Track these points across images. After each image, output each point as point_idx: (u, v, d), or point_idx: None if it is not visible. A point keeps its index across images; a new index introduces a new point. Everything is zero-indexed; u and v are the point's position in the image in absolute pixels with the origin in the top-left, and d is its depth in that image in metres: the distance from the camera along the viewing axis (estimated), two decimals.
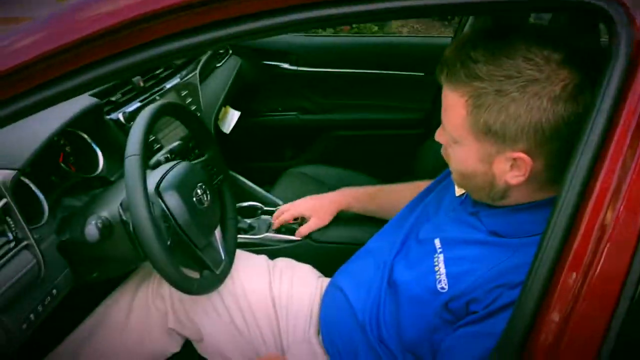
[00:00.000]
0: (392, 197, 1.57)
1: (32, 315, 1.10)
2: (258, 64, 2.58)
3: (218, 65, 2.32)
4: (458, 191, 1.19)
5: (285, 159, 2.78)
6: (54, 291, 1.17)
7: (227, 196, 1.51)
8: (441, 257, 1.07)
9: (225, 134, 2.30)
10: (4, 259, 1.05)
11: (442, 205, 1.25)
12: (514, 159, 0.94)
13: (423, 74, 2.45)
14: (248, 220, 1.76)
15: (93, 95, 1.48)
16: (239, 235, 1.73)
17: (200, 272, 1.29)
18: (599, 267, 0.75)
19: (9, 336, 1.04)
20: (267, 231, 1.71)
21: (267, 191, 2.11)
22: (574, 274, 0.77)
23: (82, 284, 1.32)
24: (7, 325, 1.04)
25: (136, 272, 1.47)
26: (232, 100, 2.37)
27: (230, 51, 2.47)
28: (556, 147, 0.91)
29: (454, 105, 0.94)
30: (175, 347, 1.44)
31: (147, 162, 1.31)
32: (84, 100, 1.39)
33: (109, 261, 1.31)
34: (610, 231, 0.75)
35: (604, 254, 0.75)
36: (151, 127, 1.20)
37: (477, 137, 0.95)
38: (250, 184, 2.02)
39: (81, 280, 1.30)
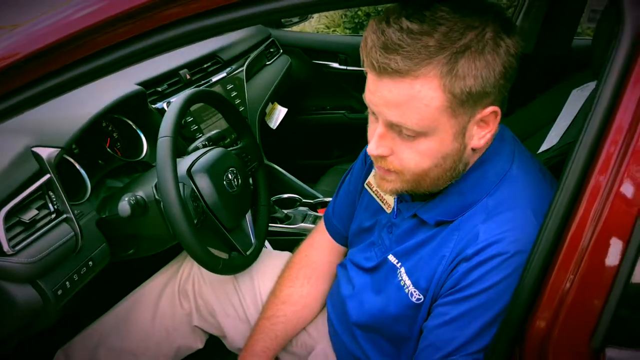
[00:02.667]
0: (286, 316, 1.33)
1: (67, 283, 1.18)
2: (308, 63, 2.64)
3: (268, 63, 2.39)
4: (388, 208, 1.14)
5: (332, 157, 2.82)
6: (90, 263, 1.24)
7: (260, 183, 1.55)
8: (402, 270, 1.05)
9: (272, 129, 2.37)
10: (45, 229, 1.14)
11: (372, 234, 1.19)
12: (483, 117, 0.89)
13: None
14: (285, 211, 1.81)
15: (139, 84, 1.57)
16: (275, 224, 1.78)
17: (229, 253, 1.34)
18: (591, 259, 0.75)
19: (45, 300, 1.12)
20: (302, 221, 1.76)
21: (312, 187, 2.16)
22: (569, 267, 0.77)
23: (118, 260, 1.40)
24: (44, 289, 1.12)
25: (163, 271, 1.51)
26: (280, 97, 2.43)
27: (281, 50, 2.53)
28: (508, 88, 0.89)
29: (421, 91, 0.83)
30: (199, 344, 1.48)
31: (180, 144, 1.38)
32: (128, 87, 1.48)
33: (143, 239, 1.38)
34: (604, 220, 0.74)
35: (598, 243, 0.75)
36: (184, 112, 1.26)
37: (453, 113, 0.86)
38: (291, 176, 2.07)
39: (117, 255, 1.38)
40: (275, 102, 2.40)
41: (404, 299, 1.04)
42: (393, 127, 0.89)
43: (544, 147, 1.72)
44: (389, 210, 1.14)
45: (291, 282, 1.33)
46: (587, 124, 0.76)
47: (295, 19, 3.03)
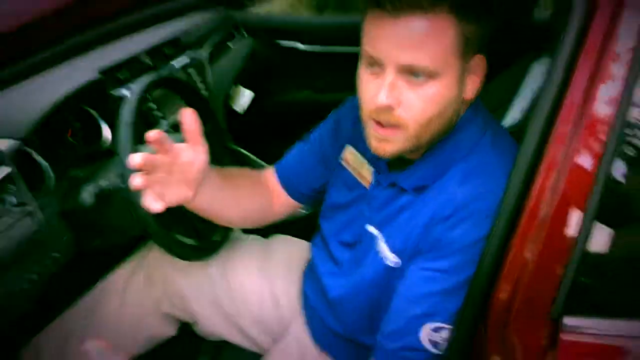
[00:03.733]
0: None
1: (34, 276, 1.16)
2: (272, 44, 2.61)
3: (231, 45, 2.36)
4: (367, 183, 1.17)
5: (299, 138, 2.81)
6: (56, 255, 1.23)
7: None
8: (381, 238, 1.08)
9: (238, 113, 2.35)
10: (7, 223, 1.11)
11: (351, 210, 1.21)
12: (473, 65, 0.96)
13: None
14: None
15: (99, 72, 1.53)
16: None
17: (196, 239, 1.34)
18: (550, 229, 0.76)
19: (11, 294, 1.11)
20: None
21: None
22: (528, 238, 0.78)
23: (85, 250, 1.38)
24: (9, 283, 1.10)
25: (130, 259, 1.50)
26: (244, 80, 2.41)
27: (244, 32, 2.50)
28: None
29: (437, 28, 0.88)
30: (172, 331, 1.48)
31: (144, 131, 1.36)
32: (87, 75, 1.45)
33: (109, 229, 1.37)
34: (561, 191, 0.76)
35: (556, 214, 0.76)
36: (145, 98, 1.24)
37: (459, 54, 0.92)
38: (258, 160, 2.06)
39: (84, 246, 1.36)
40: (240, 85, 2.37)
41: (379, 263, 1.07)
42: (402, 74, 0.91)
43: (508, 122, 1.74)
44: (367, 185, 1.16)
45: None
46: (541, 96, 0.78)
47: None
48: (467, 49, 0.93)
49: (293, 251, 1.47)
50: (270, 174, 1.38)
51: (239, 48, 2.40)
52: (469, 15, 0.90)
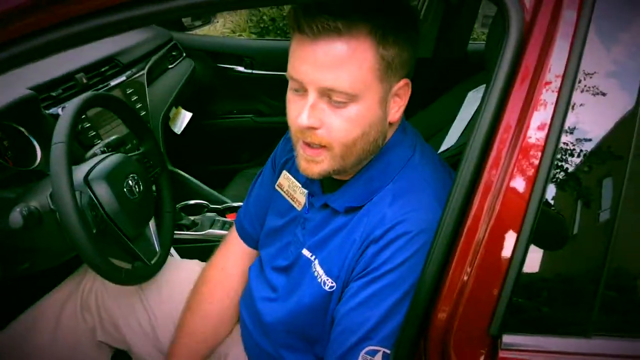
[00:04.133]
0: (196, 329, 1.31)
1: None
2: (213, 67, 2.60)
3: (170, 66, 2.34)
4: (299, 205, 1.17)
5: (241, 161, 2.80)
6: None
7: (164, 190, 1.51)
8: (316, 262, 1.08)
9: (178, 135, 2.31)
10: None
11: (286, 234, 1.20)
12: (398, 90, 0.97)
13: None
14: (192, 217, 1.77)
15: (31, 88, 1.48)
16: (182, 232, 1.74)
17: (132, 263, 1.29)
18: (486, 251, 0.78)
19: None
20: (210, 227, 1.73)
21: (220, 192, 2.13)
22: (466, 259, 0.80)
23: (13, 275, 1.31)
24: None
25: (64, 284, 1.44)
26: (184, 101, 2.38)
27: (184, 54, 2.48)
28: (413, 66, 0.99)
29: (356, 51, 0.89)
30: (105, 359, 1.43)
31: (77, 151, 1.32)
32: (18, 91, 1.40)
33: (39, 252, 1.30)
34: (497, 214, 0.78)
35: (492, 236, 0.78)
36: (79, 116, 1.20)
37: (380, 77, 0.92)
38: (198, 182, 2.03)
39: (11, 271, 1.29)
40: (180, 107, 2.34)
41: (316, 288, 1.06)
42: (323, 97, 0.92)
43: (443, 147, 1.79)
44: (299, 208, 1.16)
45: (210, 298, 1.30)
46: (478, 123, 0.80)
47: (199, 23, 2.99)
48: (389, 72, 0.93)
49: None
50: (236, 238, 1.36)
51: (178, 69, 2.38)
52: (387, 39, 0.90)
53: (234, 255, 1.35)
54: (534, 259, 0.78)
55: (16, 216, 1.15)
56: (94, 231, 1.18)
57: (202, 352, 1.29)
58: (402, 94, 0.99)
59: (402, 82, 0.97)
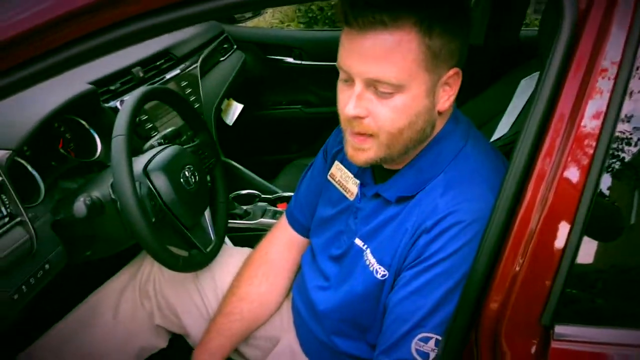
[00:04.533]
0: (242, 313, 1.33)
1: (24, 287, 1.15)
2: (262, 59, 2.64)
3: (222, 59, 2.38)
4: (351, 195, 1.18)
5: (290, 152, 2.83)
6: (47, 266, 1.22)
7: (218, 180, 1.55)
8: (368, 251, 1.09)
9: (229, 126, 2.36)
10: None
11: (338, 223, 1.22)
12: (448, 79, 0.97)
13: None
14: (244, 207, 1.82)
15: (91, 83, 1.54)
16: (235, 221, 1.79)
17: (189, 250, 1.34)
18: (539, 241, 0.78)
19: (1, 305, 1.10)
20: (262, 217, 1.77)
21: (270, 183, 2.16)
22: (518, 250, 0.80)
23: (76, 262, 1.38)
24: (0, 294, 1.10)
25: (122, 272, 1.50)
26: (235, 93, 2.43)
27: (235, 46, 2.52)
28: (465, 54, 0.99)
29: (400, 43, 0.90)
30: (163, 343, 1.48)
31: (135, 143, 1.37)
32: (79, 86, 1.46)
33: (100, 240, 1.36)
34: (550, 204, 0.77)
35: (545, 226, 0.78)
36: (138, 110, 1.25)
37: (427, 67, 0.93)
38: (249, 172, 2.07)
39: (75, 258, 1.35)
40: (231, 99, 2.39)
41: (369, 276, 1.07)
42: (370, 87, 0.94)
43: (495, 136, 1.77)
44: (351, 198, 1.18)
45: (249, 280, 1.34)
46: (531, 112, 0.80)
47: (249, 15, 3.03)
48: (436, 63, 0.94)
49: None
50: (284, 226, 1.40)
51: (230, 61, 2.42)
52: (433, 30, 0.91)
53: (280, 241, 1.39)
54: (588, 250, 0.77)
55: (80, 206, 1.21)
56: (153, 220, 1.23)
57: (238, 333, 1.32)
58: (452, 83, 0.99)
59: (452, 71, 0.97)
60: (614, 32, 0.75)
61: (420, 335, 0.97)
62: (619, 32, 0.75)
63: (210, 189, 1.52)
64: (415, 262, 0.99)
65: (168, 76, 1.89)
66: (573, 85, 0.77)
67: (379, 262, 1.06)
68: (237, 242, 1.69)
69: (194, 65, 2.05)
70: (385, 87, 0.92)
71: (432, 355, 0.96)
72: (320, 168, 1.32)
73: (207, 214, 1.47)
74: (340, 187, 1.21)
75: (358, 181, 1.17)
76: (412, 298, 0.99)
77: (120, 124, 1.20)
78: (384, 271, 1.05)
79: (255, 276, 1.34)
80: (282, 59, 2.65)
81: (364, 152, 1.01)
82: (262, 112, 2.71)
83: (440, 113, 1.01)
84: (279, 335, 1.35)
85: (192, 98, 1.97)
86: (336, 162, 1.24)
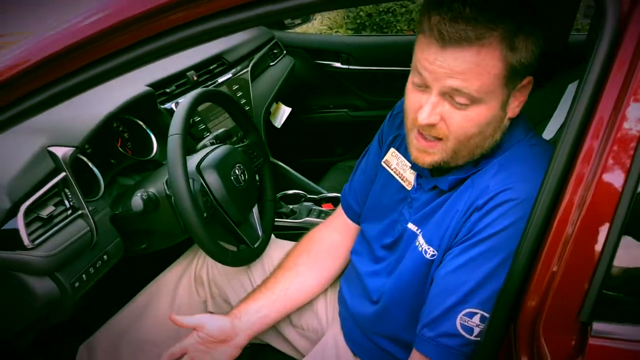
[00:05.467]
0: (289, 288, 1.35)
1: (84, 276, 1.23)
2: (311, 63, 2.69)
3: (271, 64, 2.45)
4: (409, 185, 1.19)
5: (335, 155, 2.87)
6: (105, 257, 1.30)
7: (266, 179, 1.61)
8: (420, 235, 1.11)
9: (277, 128, 2.42)
10: (61, 225, 1.19)
11: (393, 212, 1.23)
12: (521, 87, 0.99)
13: None
14: (291, 206, 1.87)
15: (148, 85, 1.62)
16: (281, 219, 1.84)
17: (237, 246, 1.40)
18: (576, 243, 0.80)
19: (62, 292, 1.18)
20: (307, 216, 1.81)
21: (317, 184, 2.21)
22: (556, 251, 0.81)
23: (133, 254, 1.46)
24: (61, 281, 1.18)
25: (178, 262, 1.57)
26: (284, 97, 2.49)
27: (284, 51, 2.59)
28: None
29: (484, 59, 0.91)
30: None
31: (189, 142, 1.44)
32: (138, 88, 1.54)
33: (155, 233, 1.44)
34: (588, 204, 0.79)
35: (582, 229, 0.79)
36: (193, 110, 1.32)
37: (506, 82, 0.95)
38: (296, 173, 2.12)
39: (131, 250, 1.43)
40: (280, 102, 2.45)
41: (418, 257, 1.10)
42: (445, 95, 0.95)
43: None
44: (409, 187, 1.19)
45: (291, 253, 1.39)
46: (571, 115, 0.81)
47: (298, 21, 3.09)
48: (514, 77, 0.96)
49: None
50: (339, 212, 1.42)
51: (279, 66, 2.48)
52: (515, 45, 0.92)
53: (331, 224, 1.43)
54: (627, 250, 0.78)
55: (137, 200, 1.28)
56: (205, 215, 1.29)
57: (278, 301, 1.32)
58: (524, 90, 1.01)
59: (526, 80, 0.99)
60: None
61: (465, 310, 0.98)
62: None
63: (258, 188, 1.58)
64: (465, 238, 1.01)
65: (220, 80, 1.96)
66: (614, 88, 0.79)
67: (428, 243, 1.08)
68: (283, 239, 1.73)
69: (245, 70, 2.12)
70: (464, 98, 0.94)
71: (477, 330, 0.97)
72: (374, 154, 1.32)
73: (255, 211, 1.52)
74: (397, 175, 1.22)
75: (415, 172, 1.18)
76: (458, 272, 1.00)
77: (176, 124, 1.26)
78: (434, 251, 1.07)
79: (297, 250, 1.39)
80: (329, 64, 2.70)
81: (429, 155, 1.02)
82: (309, 115, 2.76)
83: (510, 119, 1.03)
84: (325, 327, 1.39)
85: (243, 101, 2.04)
86: (392, 149, 1.24)
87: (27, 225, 1.13)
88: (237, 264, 1.37)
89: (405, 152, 1.17)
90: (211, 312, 1.50)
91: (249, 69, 2.14)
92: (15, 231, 1.11)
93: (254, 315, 1.29)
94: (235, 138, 1.75)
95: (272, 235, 1.56)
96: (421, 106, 0.97)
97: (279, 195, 1.96)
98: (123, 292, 1.55)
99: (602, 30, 0.80)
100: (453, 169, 1.08)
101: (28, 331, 1.29)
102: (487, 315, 0.96)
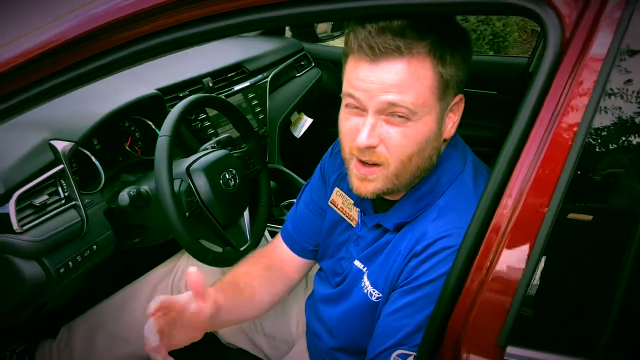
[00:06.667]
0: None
1: (70, 263, 1.31)
2: (338, 76, 2.72)
3: (297, 75, 2.50)
4: (354, 222, 1.20)
5: None
6: (94, 247, 1.37)
7: (262, 185, 1.65)
8: (365, 276, 1.12)
9: (297, 138, 2.47)
10: (53, 213, 1.28)
11: (341, 250, 1.24)
12: (453, 106, 1.01)
13: (496, 92, 2.46)
14: None
15: (162, 88, 1.70)
16: (281, 226, 1.88)
17: (222, 247, 1.45)
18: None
19: (48, 276, 1.26)
20: None
21: None
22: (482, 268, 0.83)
23: (126, 247, 1.53)
24: (47, 266, 1.25)
25: (160, 267, 1.62)
26: (308, 108, 2.53)
27: (313, 63, 2.64)
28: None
29: (416, 70, 0.93)
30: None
31: (195, 145, 1.51)
32: (143, 90, 1.62)
33: (147, 229, 1.51)
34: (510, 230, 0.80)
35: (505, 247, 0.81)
36: (184, 114, 1.38)
37: (439, 95, 0.96)
38: (301, 180, 2.15)
39: (125, 244, 1.51)
40: (302, 113, 2.50)
41: (364, 298, 1.11)
42: (381, 114, 0.95)
43: None
44: (354, 224, 1.20)
45: (249, 265, 1.34)
46: (506, 143, 0.83)
47: (337, 33, 3.14)
48: (446, 91, 0.97)
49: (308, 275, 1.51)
50: (279, 243, 1.40)
51: (305, 77, 2.53)
52: (444, 59, 0.95)
53: (268, 248, 1.41)
54: (545, 276, 0.79)
55: (124, 195, 1.35)
56: (187, 214, 1.34)
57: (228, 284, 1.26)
58: (455, 109, 1.02)
59: (457, 98, 1.01)
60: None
61: (399, 352, 1.00)
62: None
63: (253, 193, 1.63)
64: (404, 282, 1.03)
65: (236, 88, 2.03)
66: (546, 116, 0.80)
67: (373, 285, 1.09)
68: None
69: (264, 80, 2.18)
70: (401, 111, 0.94)
71: None
72: (318, 188, 1.33)
73: (247, 216, 1.57)
74: (343, 214, 1.23)
75: (358, 209, 1.18)
76: (397, 315, 1.02)
77: (167, 125, 1.33)
78: (379, 294, 1.09)
79: (254, 264, 1.34)
80: None
81: (370, 182, 1.01)
82: (333, 128, 2.79)
83: (445, 140, 1.04)
84: (294, 341, 1.42)
85: (258, 109, 2.10)
86: (336, 189, 1.25)
87: (19, 211, 1.21)
88: (219, 264, 1.42)
89: (348, 190, 1.16)
90: None
91: (269, 79, 2.20)
92: (6, 215, 1.20)
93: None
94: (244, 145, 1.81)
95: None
96: (358, 130, 0.97)
97: (285, 202, 2.00)
98: (108, 286, 1.63)
99: (543, 55, 0.82)
100: (395, 207, 1.09)
101: (20, 310, 1.38)
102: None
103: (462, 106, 1.03)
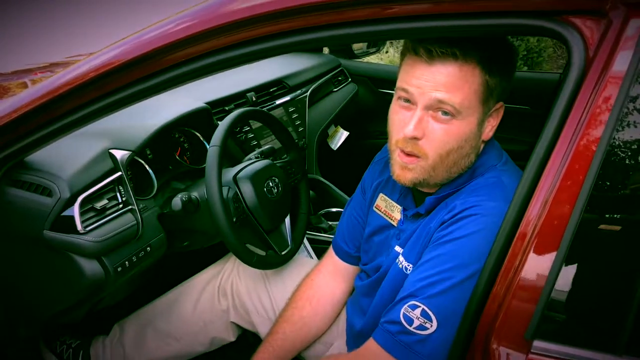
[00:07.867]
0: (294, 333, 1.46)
1: (126, 262, 1.41)
2: (374, 91, 2.82)
3: (335, 89, 2.60)
4: (395, 222, 1.29)
5: None
6: (148, 248, 1.48)
7: (302, 194, 1.75)
8: (401, 255, 1.21)
9: (334, 150, 2.56)
10: (112, 216, 1.39)
11: (383, 245, 1.32)
12: (494, 111, 1.11)
13: (528, 107, 2.52)
14: (330, 222, 2.00)
15: (209, 103, 1.82)
16: (319, 234, 1.97)
17: (265, 251, 1.54)
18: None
19: (106, 274, 1.37)
20: None
21: None
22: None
23: (176, 250, 1.64)
24: (106, 265, 1.36)
25: (207, 270, 1.73)
26: (345, 121, 2.63)
27: (349, 79, 2.74)
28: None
29: (466, 75, 1.04)
30: (232, 337, 1.68)
31: (238, 155, 1.61)
32: (195, 104, 1.73)
33: (196, 233, 1.61)
34: (539, 229, 0.87)
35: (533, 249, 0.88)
36: (233, 126, 1.49)
37: (483, 99, 1.07)
38: (342, 193, 2.24)
39: (175, 246, 1.61)
40: (339, 126, 2.59)
41: (398, 272, 1.20)
42: (429, 110, 1.06)
43: None
44: (395, 224, 1.30)
45: (295, 302, 1.47)
46: (535, 150, 0.91)
47: (373, 49, 3.24)
48: (490, 97, 1.08)
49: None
50: (330, 255, 1.51)
51: (342, 92, 2.63)
52: (492, 69, 1.06)
53: (325, 269, 1.51)
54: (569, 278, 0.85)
55: (177, 201, 1.46)
56: (234, 219, 1.44)
57: (282, 350, 1.43)
58: (495, 115, 1.13)
59: (498, 105, 1.12)
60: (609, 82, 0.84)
61: (410, 302, 1.07)
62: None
63: (294, 201, 1.72)
64: (429, 244, 1.12)
65: (278, 102, 2.14)
66: (574, 120, 0.87)
67: (407, 260, 1.19)
68: (319, 253, 1.86)
69: (304, 95, 2.29)
70: (447, 109, 1.04)
71: (416, 323, 1.05)
72: (358, 202, 1.45)
73: (288, 222, 1.66)
74: (386, 215, 1.33)
75: (401, 207, 1.28)
76: (417, 270, 1.11)
77: (217, 136, 1.44)
78: (410, 265, 1.18)
79: (300, 299, 1.47)
80: (392, 92, 2.79)
81: (410, 171, 1.11)
82: (367, 140, 2.88)
83: (483, 141, 1.14)
84: (333, 341, 1.50)
85: (298, 122, 2.20)
86: (381, 194, 1.35)
87: (82, 214, 1.33)
88: (262, 267, 1.51)
89: (390, 193, 1.30)
90: (231, 322, 1.65)
91: (308, 93, 2.31)
92: (71, 217, 1.31)
93: None
94: (286, 156, 1.91)
95: (310, 252, 1.69)
96: (406, 123, 1.07)
97: (322, 211, 2.10)
98: (160, 286, 1.74)
99: (569, 72, 0.89)
100: (431, 196, 1.18)
101: (79, 306, 1.50)
102: (428, 311, 1.04)
103: (501, 112, 1.13)
